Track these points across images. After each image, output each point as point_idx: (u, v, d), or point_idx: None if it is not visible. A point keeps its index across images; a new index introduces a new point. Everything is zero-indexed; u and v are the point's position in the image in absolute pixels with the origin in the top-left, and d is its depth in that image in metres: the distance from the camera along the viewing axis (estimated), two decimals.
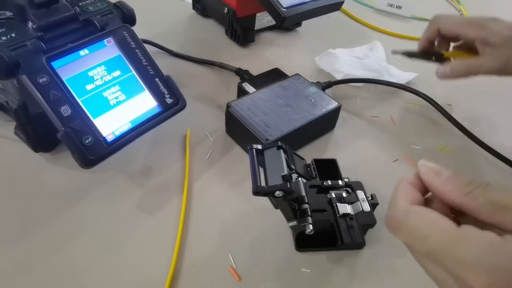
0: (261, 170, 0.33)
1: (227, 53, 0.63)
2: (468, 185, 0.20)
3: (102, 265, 0.35)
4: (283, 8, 0.54)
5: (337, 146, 0.50)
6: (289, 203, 0.34)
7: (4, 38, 0.36)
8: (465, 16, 0.47)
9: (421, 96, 0.53)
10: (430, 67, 0.47)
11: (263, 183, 0.32)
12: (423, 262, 0.21)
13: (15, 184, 0.41)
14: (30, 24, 0.37)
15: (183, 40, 0.66)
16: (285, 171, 0.32)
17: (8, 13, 0.38)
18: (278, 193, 0.31)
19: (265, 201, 0.41)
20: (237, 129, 0.47)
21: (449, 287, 0.20)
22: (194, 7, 0.72)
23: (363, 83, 0.58)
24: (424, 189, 0.23)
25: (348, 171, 0.42)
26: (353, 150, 0.49)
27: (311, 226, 0.34)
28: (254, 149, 0.34)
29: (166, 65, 0.59)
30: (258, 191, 0.31)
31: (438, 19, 0.46)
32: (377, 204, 0.39)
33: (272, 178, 0.32)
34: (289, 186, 0.31)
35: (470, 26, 0.43)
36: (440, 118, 0.51)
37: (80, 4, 0.41)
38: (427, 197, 0.23)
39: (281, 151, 0.34)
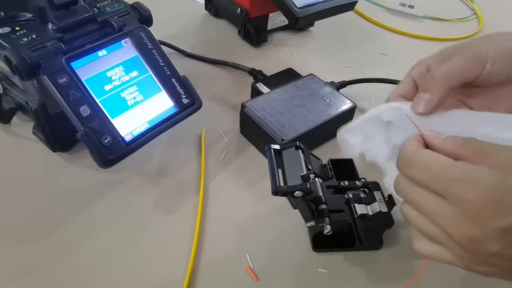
0: (280, 170, 0.33)
1: (239, 53, 0.64)
2: (461, 140, 0.25)
3: (120, 264, 0.36)
4: (297, 8, 0.54)
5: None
6: (307, 204, 0.34)
7: (25, 39, 0.36)
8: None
9: None
10: None
11: (282, 183, 0.32)
12: (422, 195, 0.25)
13: (33, 184, 0.41)
14: (50, 25, 0.38)
15: (196, 40, 0.66)
16: (304, 171, 0.32)
17: (29, 15, 0.39)
18: (297, 193, 0.31)
19: (281, 201, 0.41)
20: (252, 129, 0.47)
21: (440, 216, 0.24)
22: (206, 8, 0.73)
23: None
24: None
25: (364, 171, 0.42)
26: None
27: (329, 227, 0.34)
28: (272, 149, 0.34)
29: (179, 65, 0.58)
30: (277, 191, 0.31)
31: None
32: (395, 204, 0.38)
33: (291, 178, 0.32)
34: (308, 186, 0.31)
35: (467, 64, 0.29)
36: None
37: (98, 5, 0.42)
38: None
39: (300, 151, 0.34)
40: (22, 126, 0.47)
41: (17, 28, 0.37)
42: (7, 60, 0.34)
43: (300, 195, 0.31)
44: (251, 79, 0.56)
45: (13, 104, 0.45)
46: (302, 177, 0.32)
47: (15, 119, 0.48)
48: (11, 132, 0.46)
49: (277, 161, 0.34)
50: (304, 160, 0.34)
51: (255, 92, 0.52)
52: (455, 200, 0.23)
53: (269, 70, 0.56)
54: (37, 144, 0.45)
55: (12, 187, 0.41)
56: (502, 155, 0.23)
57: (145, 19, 0.43)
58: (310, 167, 0.36)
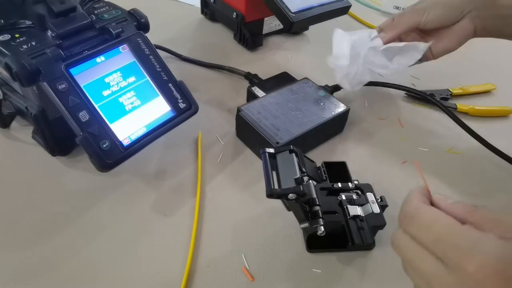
0: (274, 173, 0.34)
1: (235, 57, 0.65)
2: (472, 206, 0.24)
3: (119, 266, 0.36)
4: (292, 13, 0.55)
5: (346, 149, 0.50)
6: (301, 205, 0.35)
7: (25, 46, 0.37)
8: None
9: (427, 99, 0.54)
10: (440, 70, 0.48)
11: (276, 186, 0.33)
12: (421, 256, 0.23)
13: (32, 187, 0.42)
14: (49, 33, 0.39)
15: (192, 44, 0.67)
16: (298, 174, 0.33)
17: (28, 22, 0.39)
18: (291, 195, 0.32)
19: (276, 203, 0.42)
20: (248, 133, 0.48)
21: (436, 281, 0.22)
22: (202, 12, 0.74)
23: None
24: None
25: (357, 173, 0.43)
26: (362, 153, 0.50)
27: (322, 228, 0.35)
28: (266, 153, 0.35)
29: (176, 69, 0.59)
30: (271, 194, 0.32)
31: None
32: (387, 205, 0.39)
33: (285, 181, 0.33)
34: (302, 189, 0.32)
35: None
36: (448, 120, 0.52)
37: (96, 12, 0.43)
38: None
39: (293, 154, 0.35)
40: (22, 130, 0.47)
41: (17, 35, 0.38)
42: (7, 67, 0.35)
43: (293, 197, 0.32)
44: (247, 83, 0.57)
45: (12, 109, 0.45)
46: (296, 180, 0.33)
47: (14, 124, 0.48)
48: (11, 137, 0.47)
49: (271, 164, 0.35)
50: (298, 163, 0.35)
51: (251, 96, 0.53)
52: (455, 268, 0.21)
53: (264, 74, 0.57)
54: (36, 148, 0.46)
55: (11, 191, 0.42)
56: (507, 221, 0.22)
57: (142, 25, 0.44)
58: (304, 170, 0.37)
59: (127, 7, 0.45)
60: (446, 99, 0.59)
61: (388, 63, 0.49)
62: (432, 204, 0.25)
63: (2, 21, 0.39)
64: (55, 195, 0.42)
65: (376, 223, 0.38)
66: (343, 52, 0.49)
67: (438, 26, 0.47)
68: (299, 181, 0.32)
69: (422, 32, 0.49)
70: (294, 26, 0.56)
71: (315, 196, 0.37)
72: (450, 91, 0.60)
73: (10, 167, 0.44)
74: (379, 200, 0.39)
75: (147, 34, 0.45)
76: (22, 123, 0.48)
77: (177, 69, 0.61)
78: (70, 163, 0.45)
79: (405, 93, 0.59)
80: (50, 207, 0.41)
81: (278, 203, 0.42)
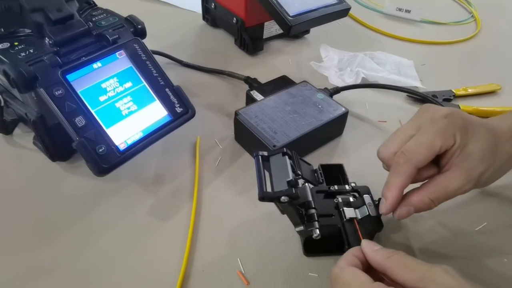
0: (267, 176, 0.34)
1: (236, 62, 0.65)
2: (390, 252, 0.30)
3: (115, 270, 0.36)
4: (290, 16, 0.55)
5: (345, 152, 0.50)
6: (296, 209, 0.35)
7: (23, 54, 0.38)
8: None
9: (429, 101, 0.53)
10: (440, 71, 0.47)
11: (269, 189, 0.33)
12: None
13: (33, 192, 0.43)
14: (47, 40, 0.39)
15: (194, 50, 0.68)
16: (290, 176, 0.33)
17: (27, 30, 0.40)
18: (283, 198, 0.32)
19: (273, 206, 0.42)
20: (246, 136, 0.48)
21: None
22: (204, 18, 0.74)
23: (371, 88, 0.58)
24: (365, 259, 0.32)
25: (356, 176, 0.42)
26: (361, 155, 0.49)
27: (318, 231, 0.35)
28: (259, 156, 0.35)
29: (176, 75, 0.61)
30: (263, 197, 0.32)
31: (411, 156, 0.33)
32: None
33: (278, 184, 0.33)
34: (294, 191, 0.32)
35: (454, 131, 0.33)
36: None
37: (93, 19, 0.43)
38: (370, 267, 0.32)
39: (286, 157, 0.35)
40: (23, 136, 0.48)
41: (16, 43, 0.38)
42: (5, 74, 0.36)
43: (286, 200, 0.32)
44: (246, 87, 0.57)
45: (15, 116, 0.46)
46: (289, 182, 0.32)
47: (17, 130, 0.49)
48: (13, 143, 0.48)
49: (264, 167, 0.35)
50: (292, 166, 0.35)
51: (250, 100, 0.53)
52: None
53: (264, 78, 0.57)
54: (37, 154, 0.46)
55: (13, 196, 0.42)
56: (418, 269, 0.28)
57: (139, 31, 0.44)
58: (299, 173, 0.36)
59: (129, 14, 0.46)
60: (449, 100, 0.58)
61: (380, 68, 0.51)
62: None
63: (2, 29, 0.40)
64: (54, 200, 0.42)
65: (373, 226, 0.37)
66: (331, 56, 0.56)
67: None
68: (292, 184, 0.32)
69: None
70: (293, 29, 0.56)
71: (310, 199, 0.37)
72: (453, 92, 0.59)
73: (11, 172, 0.45)
74: (377, 203, 0.39)
75: (148, 40, 0.45)
76: (24, 130, 0.49)
77: (178, 74, 0.61)
78: (70, 168, 0.46)
79: (407, 95, 0.58)
80: (49, 211, 0.41)
81: (274, 207, 0.42)
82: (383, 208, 0.34)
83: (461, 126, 0.33)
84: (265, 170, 0.35)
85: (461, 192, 0.33)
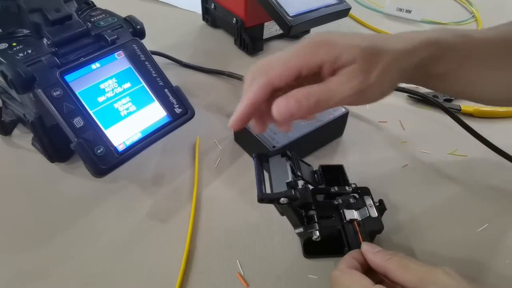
0: (266, 177, 0.34)
1: (236, 62, 0.65)
2: (390, 254, 0.31)
3: (114, 271, 0.36)
4: (290, 16, 0.55)
5: (345, 152, 0.50)
6: (296, 210, 0.35)
7: (21, 54, 0.37)
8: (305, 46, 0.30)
9: (431, 102, 0.53)
10: None
11: (268, 191, 0.32)
12: None
13: (32, 193, 0.43)
14: (45, 41, 0.39)
15: (193, 50, 0.68)
16: (290, 178, 0.32)
17: (25, 31, 0.40)
18: (283, 200, 0.31)
19: (272, 208, 0.41)
20: (245, 137, 0.47)
21: None
22: (204, 18, 0.74)
23: None
24: (365, 262, 0.32)
25: (357, 177, 0.42)
26: (362, 156, 0.49)
27: (317, 233, 0.34)
28: (258, 157, 0.35)
29: (176, 75, 0.60)
30: (262, 199, 0.32)
31: (266, 70, 0.29)
32: (385, 209, 0.38)
33: (277, 185, 0.33)
34: (293, 192, 0.31)
35: (318, 49, 0.29)
36: (451, 122, 0.51)
37: (92, 19, 0.43)
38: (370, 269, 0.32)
39: (285, 158, 0.34)
40: (22, 137, 0.48)
41: (14, 44, 0.38)
42: (3, 75, 0.36)
43: (285, 201, 0.31)
44: None
45: (14, 117, 0.46)
46: (288, 184, 0.32)
47: (16, 131, 0.49)
48: (12, 144, 0.48)
49: (264, 168, 0.34)
50: (292, 167, 0.35)
51: None
52: None
53: None
54: (36, 155, 0.46)
55: (11, 197, 0.42)
56: (418, 271, 0.28)
57: (138, 32, 0.44)
58: (299, 174, 0.36)
59: (129, 14, 0.46)
60: (449, 100, 0.57)
61: None
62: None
63: (0, 30, 0.40)
64: (53, 201, 0.42)
65: (373, 227, 0.36)
66: None
67: None
68: (291, 185, 0.32)
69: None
70: (293, 29, 0.55)
71: (310, 200, 0.37)
72: None
73: (10, 173, 0.45)
74: (378, 204, 0.38)
75: (147, 41, 0.45)
76: (23, 131, 0.49)
77: (177, 75, 0.61)
78: (69, 169, 0.45)
79: (408, 95, 0.58)
80: (48, 212, 0.41)
81: (273, 208, 0.42)
82: (230, 121, 0.31)
83: (325, 41, 0.29)
84: (265, 171, 0.34)
85: (344, 91, 0.28)
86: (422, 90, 0.59)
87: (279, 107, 0.28)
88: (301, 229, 0.35)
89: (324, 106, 0.28)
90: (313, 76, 0.29)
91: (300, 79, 0.29)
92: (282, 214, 0.35)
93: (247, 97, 0.29)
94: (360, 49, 0.28)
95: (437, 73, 0.33)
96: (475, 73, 0.34)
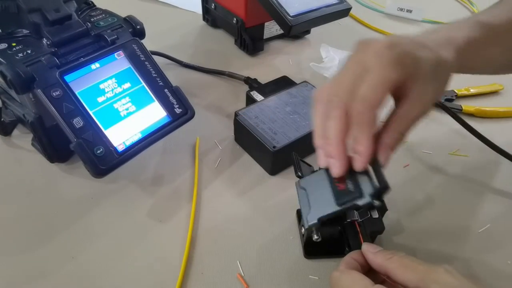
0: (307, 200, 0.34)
1: (236, 62, 0.64)
2: (390, 254, 0.30)
3: (113, 272, 0.36)
4: (290, 16, 0.55)
5: None
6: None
7: (20, 54, 0.37)
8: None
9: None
10: None
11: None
12: None
13: (32, 193, 0.42)
14: (44, 41, 0.39)
15: (194, 51, 0.67)
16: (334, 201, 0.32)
17: (25, 31, 0.40)
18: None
19: (273, 208, 0.41)
20: (245, 137, 0.47)
21: None
22: (204, 19, 0.74)
23: None
24: (365, 262, 0.32)
25: None
26: None
27: (318, 233, 0.34)
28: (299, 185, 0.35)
29: (176, 76, 0.60)
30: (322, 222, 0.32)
31: (371, 103, 0.29)
32: (386, 210, 0.38)
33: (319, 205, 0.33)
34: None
35: (402, 65, 0.29)
36: (453, 122, 0.50)
37: (92, 20, 0.43)
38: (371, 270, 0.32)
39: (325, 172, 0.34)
40: (22, 138, 0.48)
41: (14, 44, 0.38)
42: (2, 75, 0.36)
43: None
44: (246, 88, 0.57)
45: (14, 117, 0.46)
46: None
47: (16, 131, 0.49)
48: (12, 144, 0.48)
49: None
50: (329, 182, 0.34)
51: (250, 100, 0.53)
52: None
53: (265, 78, 0.57)
54: (36, 156, 0.46)
55: (11, 197, 0.42)
56: (419, 269, 0.28)
57: (138, 32, 0.44)
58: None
59: (124, 13, 0.46)
60: (451, 100, 0.57)
61: None
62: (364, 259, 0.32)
63: (0, 30, 0.39)
64: (52, 201, 0.42)
65: (374, 228, 0.36)
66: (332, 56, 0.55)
67: None
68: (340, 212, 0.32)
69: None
70: (293, 29, 0.55)
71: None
72: (455, 92, 0.58)
73: (10, 174, 0.45)
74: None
75: (148, 41, 0.45)
76: (23, 131, 0.49)
77: (178, 75, 0.61)
78: (69, 169, 0.45)
79: None
80: (47, 213, 0.41)
81: (275, 209, 0.42)
82: (359, 165, 0.30)
83: (408, 53, 0.29)
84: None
85: (423, 117, 0.31)
86: None
87: (384, 159, 0.31)
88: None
89: None
90: None
91: None
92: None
93: (367, 135, 0.29)
94: (432, 63, 0.30)
95: (472, 64, 0.37)
96: (501, 54, 0.38)
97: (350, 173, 0.32)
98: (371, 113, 0.29)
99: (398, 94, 0.31)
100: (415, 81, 0.30)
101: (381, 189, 0.30)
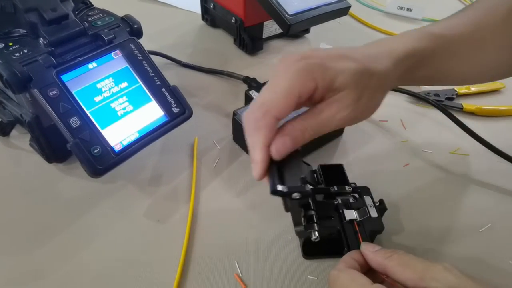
0: (277, 170, 0.32)
1: (235, 62, 0.64)
2: (389, 252, 0.30)
3: (112, 273, 0.36)
4: (289, 15, 0.55)
5: (346, 152, 0.49)
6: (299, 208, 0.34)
7: (17, 54, 0.37)
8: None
9: (430, 103, 0.52)
10: None
11: (280, 184, 0.31)
12: None
13: (29, 194, 0.42)
14: (41, 40, 0.39)
15: (193, 50, 0.67)
16: (304, 174, 0.31)
17: (22, 31, 0.40)
18: (295, 195, 0.30)
19: (271, 208, 0.41)
20: (244, 136, 0.47)
21: None
22: (203, 18, 0.74)
23: None
24: (364, 262, 0.32)
25: (357, 177, 0.41)
26: (363, 155, 0.49)
27: (317, 233, 0.34)
28: None
29: (175, 75, 0.60)
30: (275, 191, 0.30)
31: (269, 107, 0.28)
32: (386, 209, 0.38)
33: (290, 179, 0.31)
34: (306, 189, 0.30)
35: (312, 74, 0.29)
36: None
37: (89, 19, 0.43)
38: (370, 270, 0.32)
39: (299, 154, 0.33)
40: (20, 138, 0.48)
41: (10, 44, 0.38)
42: None
43: (298, 197, 0.30)
44: (245, 87, 0.57)
45: (11, 117, 0.46)
46: (302, 179, 0.31)
47: (14, 132, 0.49)
48: (10, 144, 0.48)
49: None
50: (304, 162, 0.33)
51: (249, 100, 0.52)
52: None
53: (264, 78, 0.57)
54: (34, 156, 0.46)
55: (9, 197, 0.42)
56: (418, 267, 0.28)
57: (135, 31, 0.44)
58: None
59: (121, 13, 0.46)
60: (451, 99, 0.57)
61: None
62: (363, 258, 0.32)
63: None
64: (50, 201, 0.42)
65: (373, 227, 0.36)
66: None
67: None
68: (305, 181, 0.31)
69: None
70: (292, 28, 0.55)
71: (310, 200, 0.36)
72: (456, 91, 0.58)
73: (8, 174, 0.44)
74: (378, 204, 0.38)
75: (147, 41, 0.45)
76: (21, 131, 0.49)
77: (176, 75, 0.61)
78: (66, 169, 0.45)
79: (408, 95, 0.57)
80: (45, 213, 0.40)
81: (273, 209, 0.41)
82: (255, 174, 0.29)
83: (318, 65, 0.29)
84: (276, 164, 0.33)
85: (337, 121, 0.30)
86: (423, 89, 0.58)
87: (278, 147, 0.28)
88: (301, 228, 0.35)
89: (318, 136, 0.30)
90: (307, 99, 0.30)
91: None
92: (287, 210, 0.34)
93: (260, 142, 0.28)
94: (351, 73, 0.29)
95: (421, 76, 0.35)
96: (458, 66, 0.37)
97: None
98: (266, 118, 0.28)
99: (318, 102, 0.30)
100: (329, 90, 0.29)
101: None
